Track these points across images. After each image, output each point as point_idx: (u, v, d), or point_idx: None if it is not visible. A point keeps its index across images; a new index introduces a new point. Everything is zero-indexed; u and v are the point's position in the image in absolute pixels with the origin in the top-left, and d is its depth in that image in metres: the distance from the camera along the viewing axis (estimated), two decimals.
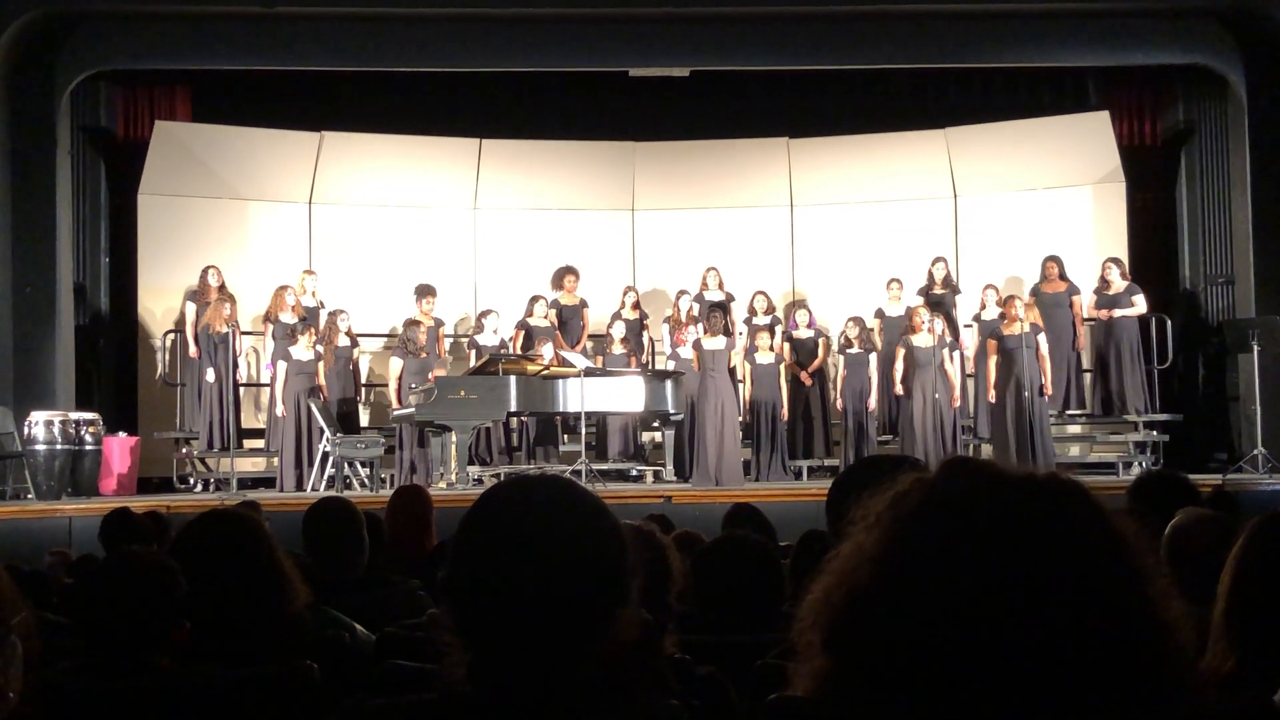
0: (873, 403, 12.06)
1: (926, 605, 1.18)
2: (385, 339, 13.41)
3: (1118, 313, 12.33)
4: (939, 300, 12.58)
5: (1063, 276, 12.52)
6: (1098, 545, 1.20)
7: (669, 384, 11.49)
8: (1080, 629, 1.15)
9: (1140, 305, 12.40)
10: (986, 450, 11.89)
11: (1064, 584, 1.17)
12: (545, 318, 12.73)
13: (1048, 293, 12.46)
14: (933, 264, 12.90)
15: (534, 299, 12.81)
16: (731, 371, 11.85)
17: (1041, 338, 11.53)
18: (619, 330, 12.59)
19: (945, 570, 1.18)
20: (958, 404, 11.75)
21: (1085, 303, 12.60)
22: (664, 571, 3.16)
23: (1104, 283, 12.49)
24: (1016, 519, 1.20)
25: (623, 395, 11.37)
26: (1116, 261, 12.56)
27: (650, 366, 12.56)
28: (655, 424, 12.13)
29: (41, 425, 10.79)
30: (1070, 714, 1.15)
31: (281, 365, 11.76)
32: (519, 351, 12.17)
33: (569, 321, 13.01)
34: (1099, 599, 1.17)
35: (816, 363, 12.53)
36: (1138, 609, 1.19)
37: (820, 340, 12.65)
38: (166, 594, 2.50)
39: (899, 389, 11.79)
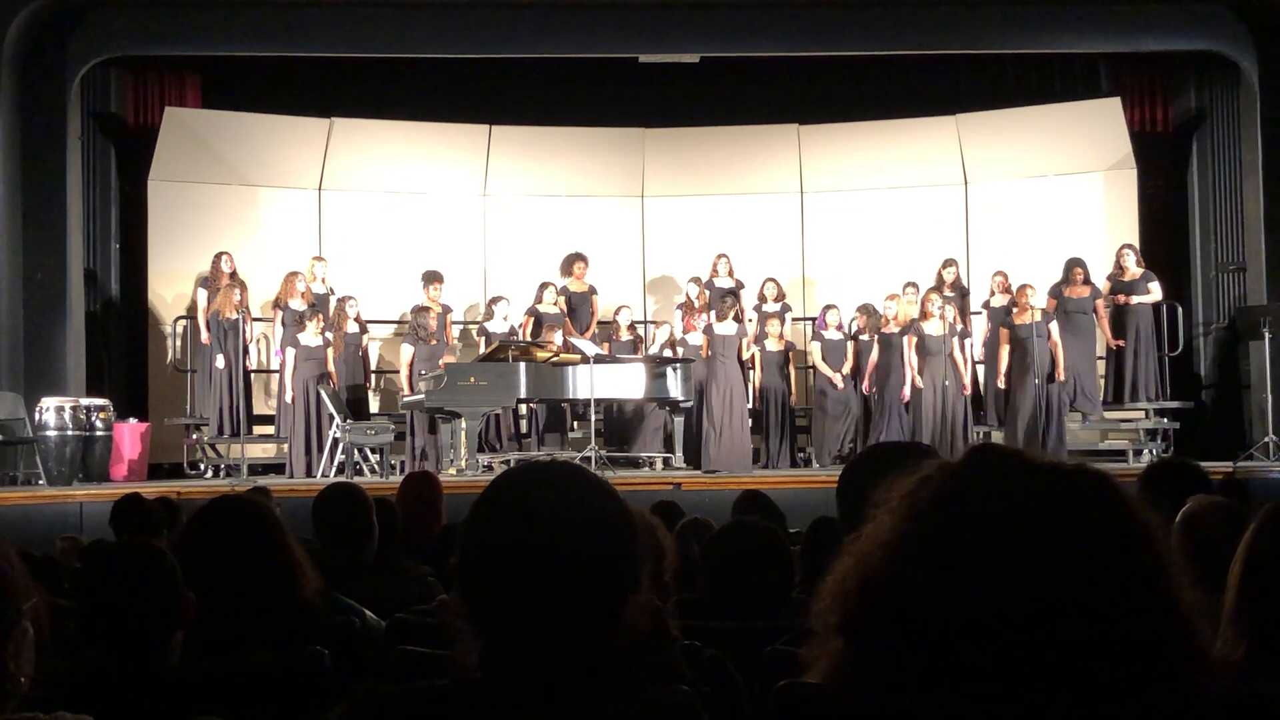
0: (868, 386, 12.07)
1: (947, 589, 1.18)
2: (395, 325, 13.42)
3: (1134, 299, 12.26)
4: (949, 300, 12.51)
5: (1086, 281, 12.10)
6: (1122, 535, 1.20)
7: (678, 371, 11.48)
8: (1100, 617, 1.15)
9: (1155, 292, 12.30)
10: (997, 437, 11.86)
11: (1086, 572, 1.16)
12: (555, 304, 12.72)
13: (1073, 298, 12.03)
14: (943, 266, 12.73)
15: (543, 285, 12.79)
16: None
17: (1053, 325, 11.49)
18: (625, 318, 12.58)
19: (968, 555, 1.18)
20: (968, 391, 11.72)
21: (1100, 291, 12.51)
22: (656, 549, 3.17)
23: (1119, 269, 12.40)
24: (1042, 507, 1.20)
25: (632, 382, 11.36)
26: (1132, 248, 12.46)
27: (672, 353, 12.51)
28: (666, 417, 12.07)
29: (52, 411, 10.80)
30: (1087, 699, 1.15)
31: (290, 351, 11.78)
32: (528, 338, 12.17)
33: (578, 308, 13.01)
34: (1121, 588, 1.17)
35: (848, 365, 12.26)
36: (1158, 598, 1.19)
37: (849, 344, 12.31)
38: (162, 577, 2.50)
39: (912, 383, 11.70)
